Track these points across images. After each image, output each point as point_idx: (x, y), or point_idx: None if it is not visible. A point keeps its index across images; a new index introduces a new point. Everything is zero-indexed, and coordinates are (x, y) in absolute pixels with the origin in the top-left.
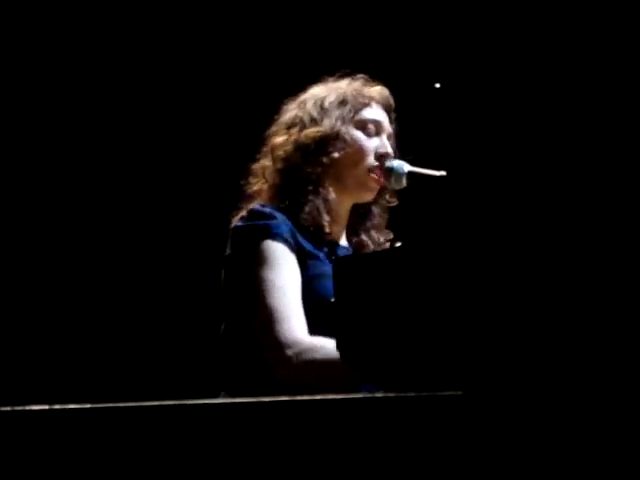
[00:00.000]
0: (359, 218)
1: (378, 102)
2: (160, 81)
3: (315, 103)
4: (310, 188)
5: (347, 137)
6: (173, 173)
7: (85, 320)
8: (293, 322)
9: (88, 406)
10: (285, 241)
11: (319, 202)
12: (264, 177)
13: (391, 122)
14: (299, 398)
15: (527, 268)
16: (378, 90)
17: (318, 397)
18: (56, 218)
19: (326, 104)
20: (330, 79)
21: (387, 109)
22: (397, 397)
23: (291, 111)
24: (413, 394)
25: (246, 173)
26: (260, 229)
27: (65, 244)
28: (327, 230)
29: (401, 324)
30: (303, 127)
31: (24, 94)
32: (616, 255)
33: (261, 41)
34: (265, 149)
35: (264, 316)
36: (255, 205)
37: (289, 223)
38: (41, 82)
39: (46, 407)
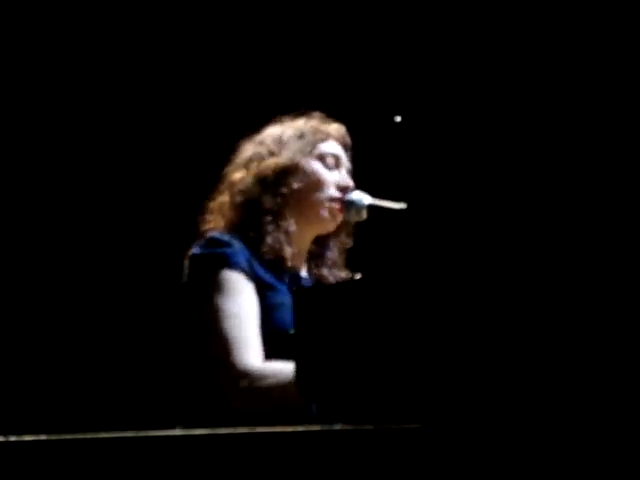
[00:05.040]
0: (319, 253)
1: (335, 139)
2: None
3: (273, 138)
4: (269, 219)
5: (306, 168)
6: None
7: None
8: (247, 351)
9: (43, 438)
10: (243, 270)
11: (280, 234)
12: (221, 213)
13: (348, 159)
14: (257, 430)
15: (488, 299)
16: (335, 127)
17: (276, 429)
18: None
19: (284, 138)
20: (286, 118)
21: (344, 146)
22: (355, 430)
23: (248, 149)
24: (371, 427)
25: (202, 211)
26: (217, 257)
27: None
28: (289, 263)
29: (361, 356)
30: (262, 161)
31: (22, 94)
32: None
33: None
34: (222, 186)
35: (218, 345)
36: (213, 232)
37: (247, 253)
38: (39, 82)
39: (1, 439)
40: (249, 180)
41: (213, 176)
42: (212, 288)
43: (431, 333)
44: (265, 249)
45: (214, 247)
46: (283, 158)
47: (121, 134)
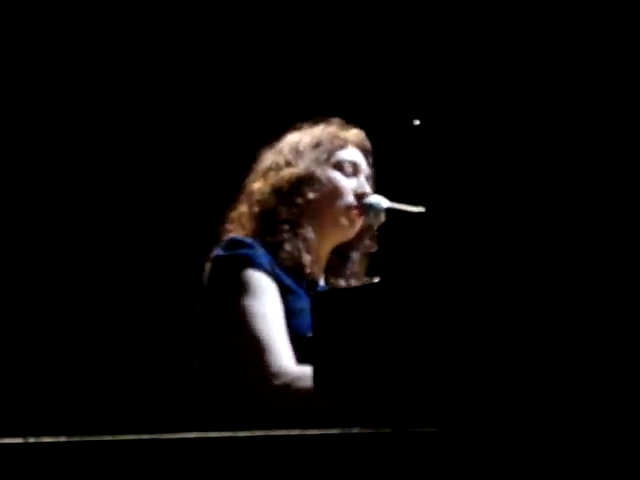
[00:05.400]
0: (338, 264)
1: (354, 144)
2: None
3: (290, 147)
4: (287, 228)
5: (322, 177)
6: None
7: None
8: (280, 351)
9: (63, 439)
10: (266, 271)
11: (298, 242)
12: (241, 224)
13: (368, 165)
14: (274, 433)
15: (505, 303)
16: (354, 133)
17: (294, 432)
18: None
19: (300, 147)
20: (305, 125)
21: (364, 151)
22: (374, 433)
23: (267, 158)
24: (389, 430)
25: (223, 220)
26: (241, 258)
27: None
28: (308, 270)
29: (378, 359)
30: (279, 170)
31: (24, 94)
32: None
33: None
34: (242, 196)
35: (250, 346)
36: (235, 235)
37: (268, 256)
38: (41, 82)
39: (20, 440)
40: (266, 190)
41: (236, 181)
42: (237, 289)
43: (448, 337)
44: (284, 255)
45: (236, 248)
46: (298, 168)
47: (143, 141)
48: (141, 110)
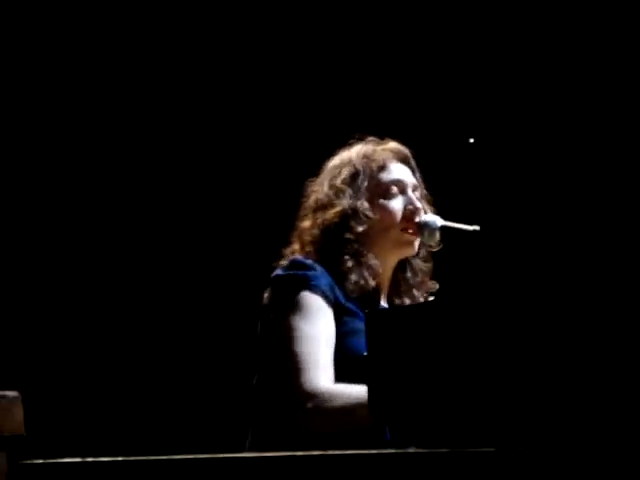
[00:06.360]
0: (402, 277)
1: (393, 159)
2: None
3: (330, 184)
4: (348, 258)
5: (366, 209)
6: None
7: (106, 369)
8: (317, 373)
9: (120, 459)
10: (323, 294)
11: (364, 270)
12: None
13: (413, 172)
14: (329, 453)
15: (560, 324)
16: (390, 147)
17: (349, 452)
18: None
19: (338, 183)
20: (341, 150)
21: (404, 161)
22: (430, 453)
23: (313, 193)
24: (446, 450)
25: (278, 258)
26: (299, 279)
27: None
28: (374, 297)
29: (434, 379)
30: (324, 210)
31: (26, 95)
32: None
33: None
34: (295, 233)
35: (289, 365)
36: (297, 255)
37: (329, 277)
38: (43, 84)
39: (78, 460)
40: (316, 232)
41: (295, 200)
42: (290, 309)
43: (504, 356)
44: (350, 287)
45: (296, 269)
46: (341, 206)
47: (199, 161)
48: (190, 127)
